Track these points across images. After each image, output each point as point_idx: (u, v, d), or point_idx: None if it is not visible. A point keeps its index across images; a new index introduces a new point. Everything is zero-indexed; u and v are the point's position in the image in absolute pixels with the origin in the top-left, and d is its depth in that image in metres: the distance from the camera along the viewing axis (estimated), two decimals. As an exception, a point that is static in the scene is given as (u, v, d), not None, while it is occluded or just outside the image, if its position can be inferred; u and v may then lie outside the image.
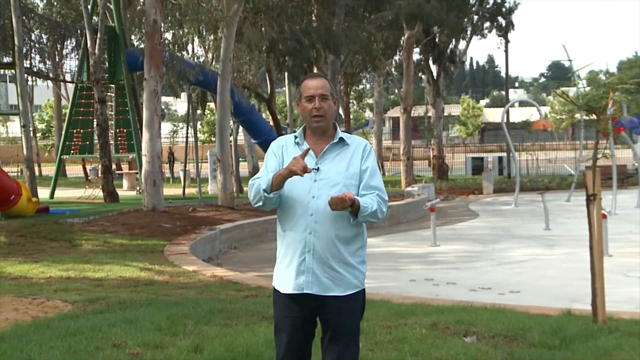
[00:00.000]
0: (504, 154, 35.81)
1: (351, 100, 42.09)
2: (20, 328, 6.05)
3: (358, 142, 3.56)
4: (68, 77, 25.00)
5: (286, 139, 3.60)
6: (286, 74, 26.91)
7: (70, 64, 24.31)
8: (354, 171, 3.47)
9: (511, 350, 5.26)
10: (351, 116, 45.18)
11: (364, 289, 3.52)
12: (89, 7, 22.21)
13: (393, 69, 34.14)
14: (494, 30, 33.21)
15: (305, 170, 3.26)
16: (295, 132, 3.62)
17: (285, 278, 3.45)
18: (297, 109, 3.62)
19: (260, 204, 3.44)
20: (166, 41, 23.60)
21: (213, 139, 41.23)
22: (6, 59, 21.62)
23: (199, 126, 47.65)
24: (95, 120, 22.42)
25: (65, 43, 24.24)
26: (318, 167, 3.44)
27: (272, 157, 3.54)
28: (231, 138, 26.57)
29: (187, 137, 27.50)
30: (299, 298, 3.41)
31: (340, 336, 3.45)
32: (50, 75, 24.59)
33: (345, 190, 3.40)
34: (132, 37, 29.28)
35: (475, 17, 32.41)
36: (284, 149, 3.53)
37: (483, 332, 5.78)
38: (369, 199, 3.43)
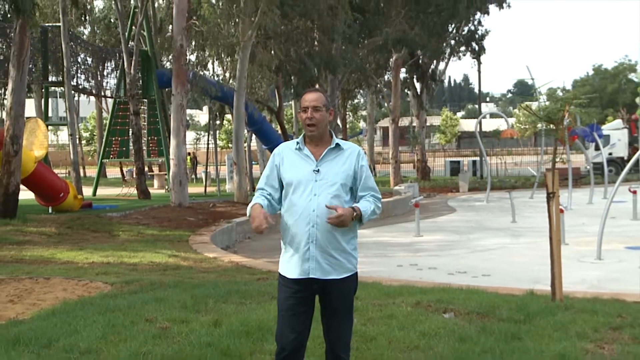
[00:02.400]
0: (477, 158, 35.79)
1: (348, 113, 42.09)
2: (68, 305, 6.06)
3: (352, 148, 3.53)
4: (108, 93, 25.07)
5: (284, 148, 3.57)
6: (292, 89, 26.82)
7: (110, 82, 24.43)
8: (349, 173, 3.46)
9: (483, 325, 5.26)
10: (347, 126, 45.12)
11: (356, 272, 3.52)
12: (126, 34, 22.31)
13: (383, 86, 34.09)
14: (468, 53, 33.16)
15: (259, 230, 3.29)
16: (296, 139, 3.61)
17: (292, 265, 3.43)
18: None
19: None
20: (190, 62, 23.63)
21: (230, 145, 41.19)
22: (57, 78, 21.71)
23: (218, 134, 47.64)
24: (130, 129, 22.46)
25: (106, 64, 24.33)
26: (318, 169, 3.43)
27: (269, 169, 3.53)
28: (246, 144, 26.59)
29: (208, 144, 27.49)
30: (304, 282, 3.40)
31: (338, 311, 3.46)
32: (93, 91, 24.66)
33: (342, 189, 3.40)
34: (162, 58, 29.27)
35: (453, 42, 32.34)
36: (282, 157, 3.51)
37: (460, 309, 5.77)
38: (366, 202, 3.44)
